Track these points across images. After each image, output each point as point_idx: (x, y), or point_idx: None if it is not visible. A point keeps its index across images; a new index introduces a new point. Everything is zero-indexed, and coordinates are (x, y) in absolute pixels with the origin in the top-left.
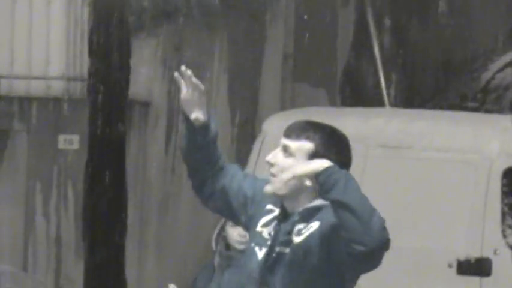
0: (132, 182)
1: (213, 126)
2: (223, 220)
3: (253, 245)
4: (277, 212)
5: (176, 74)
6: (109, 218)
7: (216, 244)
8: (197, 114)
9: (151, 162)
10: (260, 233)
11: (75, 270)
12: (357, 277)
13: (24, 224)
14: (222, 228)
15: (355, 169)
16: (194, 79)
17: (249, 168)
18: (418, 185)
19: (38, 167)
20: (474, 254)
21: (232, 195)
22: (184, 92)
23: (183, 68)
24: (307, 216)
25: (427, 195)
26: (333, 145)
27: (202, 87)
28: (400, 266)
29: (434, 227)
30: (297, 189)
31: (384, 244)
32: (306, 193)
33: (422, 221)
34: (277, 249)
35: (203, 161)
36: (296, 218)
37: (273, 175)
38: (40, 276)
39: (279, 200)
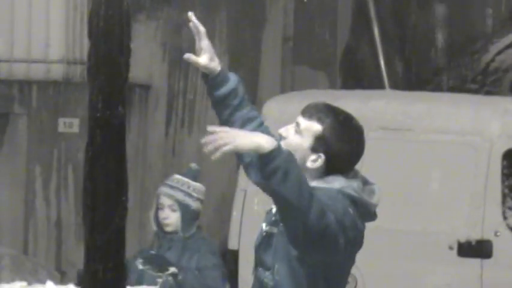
0: (132, 164)
1: (232, 77)
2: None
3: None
4: None
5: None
6: (109, 201)
7: (155, 224)
8: (205, 61)
9: (151, 145)
10: (268, 211)
11: (76, 253)
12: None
13: (24, 207)
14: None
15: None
16: (193, 23)
17: None
18: (418, 167)
19: (38, 151)
20: (475, 236)
21: None
22: (197, 42)
23: (189, 13)
24: None
25: (427, 177)
26: (342, 133)
27: (201, 28)
28: (401, 249)
29: (435, 209)
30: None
31: (323, 232)
32: (307, 174)
33: (423, 203)
34: (267, 228)
35: (228, 119)
36: None
37: None
38: (41, 259)
39: None
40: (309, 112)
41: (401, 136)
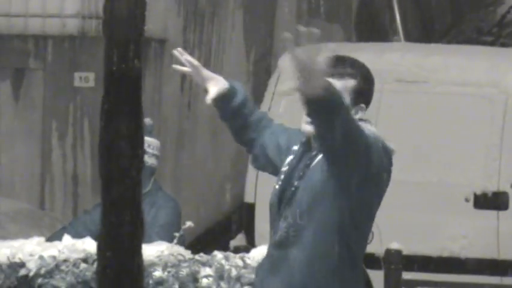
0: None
1: (238, 92)
2: None
3: (274, 183)
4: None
5: (176, 52)
6: (125, 154)
7: None
8: (207, 96)
9: (167, 99)
10: (281, 171)
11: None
12: (363, 198)
13: (40, 162)
14: None
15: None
16: (185, 57)
17: (265, 104)
18: (434, 119)
19: (54, 105)
20: (491, 187)
21: (271, 150)
22: (190, 71)
23: (174, 51)
24: None
25: (443, 129)
26: (370, 78)
27: (195, 62)
28: (417, 201)
29: (451, 162)
30: None
31: (347, 144)
32: None
33: (439, 155)
34: (295, 183)
35: (242, 126)
36: (314, 152)
37: None
38: (57, 213)
39: (305, 139)
40: (338, 71)
41: (416, 88)
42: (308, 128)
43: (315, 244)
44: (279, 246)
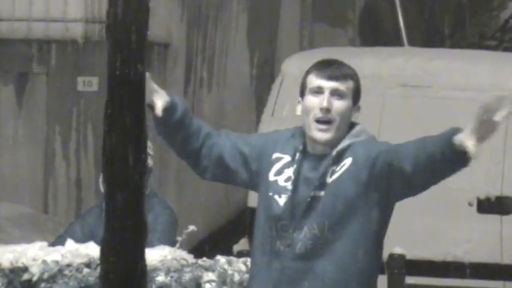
0: (151, 123)
1: (179, 105)
2: None
3: (270, 194)
4: (287, 158)
5: None
6: (129, 159)
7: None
8: (156, 110)
9: None
10: (275, 182)
11: None
12: (391, 210)
13: (44, 167)
14: None
15: (374, 108)
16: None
17: (268, 108)
18: (437, 123)
19: (57, 110)
20: (494, 192)
21: (229, 158)
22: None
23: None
24: (338, 156)
25: None
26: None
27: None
28: (420, 205)
29: None
30: (344, 132)
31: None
32: (344, 130)
33: None
34: (311, 193)
35: (185, 138)
36: (330, 160)
37: (330, 120)
38: (61, 218)
39: (288, 146)
40: (341, 74)
41: (420, 93)
42: (321, 135)
43: (348, 255)
44: (300, 258)
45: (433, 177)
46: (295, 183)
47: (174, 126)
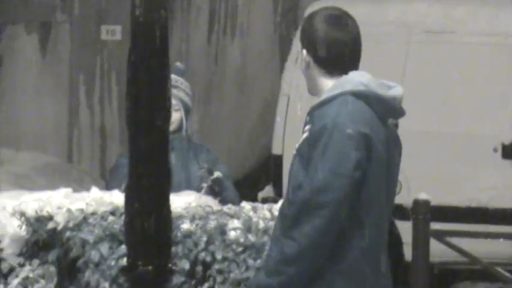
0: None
1: None
2: None
3: None
4: None
5: None
6: (152, 104)
7: None
8: None
9: (194, 50)
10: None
11: None
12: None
13: (68, 116)
14: None
15: (398, 54)
16: None
17: (292, 56)
18: (462, 69)
19: (81, 59)
20: None
21: None
22: None
23: None
24: (312, 115)
25: (471, 80)
26: None
27: None
28: (445, 151)
29: (479, 112)
30: (316, 86)
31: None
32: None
33: (466, 106)
34: (294, 151)
35: None
36: (308, 117)
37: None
38: (85, 166)
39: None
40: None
41: (444, 39)
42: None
43: None
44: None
45: None
46: None
47: None
